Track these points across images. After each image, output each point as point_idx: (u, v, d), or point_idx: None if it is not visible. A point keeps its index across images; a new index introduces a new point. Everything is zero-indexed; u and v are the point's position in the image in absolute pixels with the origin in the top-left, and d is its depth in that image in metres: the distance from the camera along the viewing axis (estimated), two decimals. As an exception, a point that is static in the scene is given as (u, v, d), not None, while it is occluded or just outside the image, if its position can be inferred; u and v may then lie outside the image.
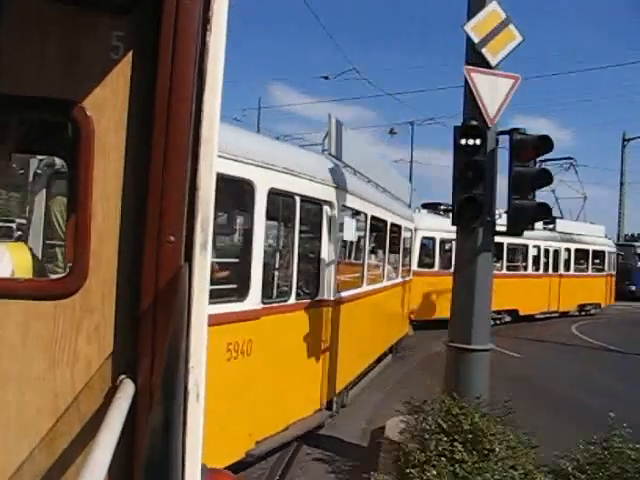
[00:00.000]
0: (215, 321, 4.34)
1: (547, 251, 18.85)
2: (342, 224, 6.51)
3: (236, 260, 4.84)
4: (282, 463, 5.36)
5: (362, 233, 7.66)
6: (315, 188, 5.66)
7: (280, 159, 5.05)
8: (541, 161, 8.99)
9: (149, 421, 0.75)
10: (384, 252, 9.27)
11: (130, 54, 1.38)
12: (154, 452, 0.69)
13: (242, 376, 4.73)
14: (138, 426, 0.81)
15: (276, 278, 5.30)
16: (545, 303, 19.03)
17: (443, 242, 14.93)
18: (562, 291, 19.43)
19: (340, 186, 6.23)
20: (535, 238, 17.05)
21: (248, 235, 4.72)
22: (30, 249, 2.05)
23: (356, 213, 7.18)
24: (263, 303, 4.90)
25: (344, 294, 6.71)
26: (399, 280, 10.73)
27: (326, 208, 5.97)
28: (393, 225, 9.65)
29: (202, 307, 1.24)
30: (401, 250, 10.90)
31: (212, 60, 1.24)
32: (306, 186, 5.48)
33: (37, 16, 1.37)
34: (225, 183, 4.50)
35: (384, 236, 9.18)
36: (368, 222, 7.72)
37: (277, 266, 5.36)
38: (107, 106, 1.40)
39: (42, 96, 1.41)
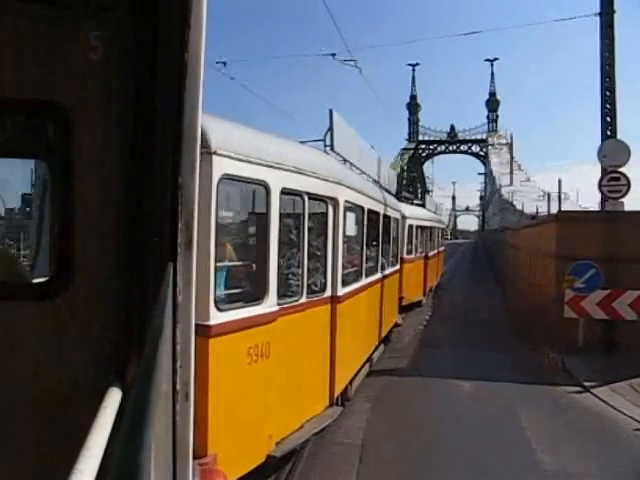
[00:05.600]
0: (238, 326, 4.30)
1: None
2: (344, 219, 6.50)
3: (254, 262, 4.77)
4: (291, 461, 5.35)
5: (360, 226, 7.66)
6: (321, 185, 5.62)
7: (289, 158, 4.99)
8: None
9: (137, 422, 0.72)
10: (378, 243, 9.32)
11: (109, 54, 1.36)
12: (138, 453, 0.66)
13: (261, 379, 4.70)
14: (127, 428, 0.77)
15: (288, 278, 5.26)
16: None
17: (421, 228, 16.08)
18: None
19: (342, 182, 6.20)
20: None
21: (264, 236, 4.66)
22: (11, 251, 2.05)
23: (356, 207, 7.18)
24: (278, 304, 4.86)
25: (348, 289, 6.73)
26: (391, 270, 10.82)
27: (331, 204, 5.96)
28: (384, 216, 9.70)
29: (188, 306, 1.22)
30: (392, 240, 10.97)
31: (191, 57, 1.21)
32: (313, 184, 5.44)
33: (13, 17, 1.35)
34: (241, 186, 4.43)
35: (378, 227, 9.22)
36: (365, 215, 7.73)
37: (289, 265, 5.32)
38: (87, 106, 1.38)
39: (20, 97, 1.39)
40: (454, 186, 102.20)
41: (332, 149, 6.28)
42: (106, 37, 1.35)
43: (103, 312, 1.38)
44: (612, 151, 11.96)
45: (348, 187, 6.39)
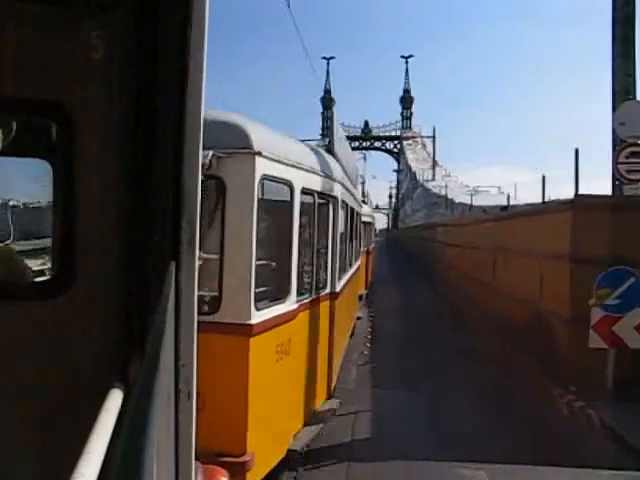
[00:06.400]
0: (270, 325, 4.36)
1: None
2: (339, 217, 6.68)
3: (276, 261, 4.84)
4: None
5: (345, 223, 7.87)
6: (325, 185, 5.76)
7: (306, 158, 5.09)
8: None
9: (139, 422, 0.73)
10: (351, 239, 9.57)
11: (111, 53, 1.36)
12: (136, 454, 0.67)
13: (285, 375, 4.79)
14: (129, 427, 0.78)
15: (302, 275, 5.37)
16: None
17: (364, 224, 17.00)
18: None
19: (340, 182, 6.38)
20: None
21: (287, 235, 4.74)
22: (13, 250, 2.07)
23: (344, 205, 7.37)
24: (297, 302, 4.96)
25: (341, 284, 6.93)
26: (357, 264, 11.13)
27: (331, 203, 6.11)
28: (357, 213, 9.99)
29: (191, 305, 1.23)
30: (359, 236, 11.29)
31: (194, 58, 1.21)
32: (320, 183, 5.57)
33: (14, 17, 1.35)
34: (270, 186, 4.47)
35: (351, 224, 9.47)
36: (348, 213, 7.94)
37: (302, 263, 5.42)
38: (88, 106, 1.39)
39: (20, 96, 1.39)
40: (363, 186, 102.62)
41: (329, 150, 6.42)
42: (108, 36, 1.36)
43: (105, 311, 1.39)
44: (632, 117, 8.68)
45: (343, 186, 6.56)
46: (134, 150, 1.34)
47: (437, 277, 22.55)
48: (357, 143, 78.13)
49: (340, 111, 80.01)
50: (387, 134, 79.45)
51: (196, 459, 1.26)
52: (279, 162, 4.36)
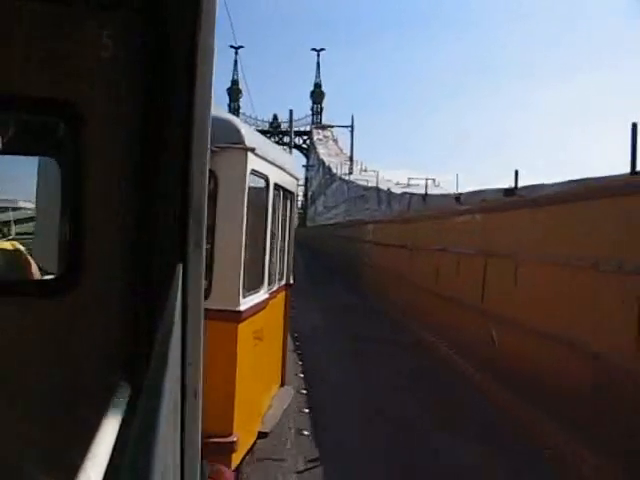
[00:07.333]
0: (252, 312, 4.59)
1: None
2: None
3: (255, 252, 5.06)
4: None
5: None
6: (288, 181, 6.06)
7: (276, 155, 5.36)
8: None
9: (149, 421, 0.72)
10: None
11: (119, 52, 1.36)
12: (144, 453, 0.66)
13: (258, 361, 5.03)
14: (135, 427, 0.75)
15: (272, 266, 5.63)
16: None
17: None
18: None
19: (296, 177, 6.71)
20: None
21: (262, 227, 4.98)
22: (19, 247, 2.10)
23: (297, 201, 7.68)
24: (268, 291, 5.22)
25: (292, 276, 7.24)
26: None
27: (289, 198, 6.40)
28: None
29: (198, 305, 1.23)
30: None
31: (202, 56, 1.21)
32: (285, 179, 5.86)
33: (22, 16, 1.34)
34: (253, 179, 4.69)
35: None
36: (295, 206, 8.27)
37: (271, 255, 5.68)
38: (96, 104, 1.38)
39: (29, 95, 1.39)
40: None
41: (291, 148, 6.69)
42: (116, 35, 1.35)
43: (111, 311, 1.38)
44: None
45: (298, 183, 6.89)
46: (142, 149, 1.34)
47: (367, 284, 18.52)
48: (266, 137, 75.62)
49: (248, 104, 78.10)
50: (297, 129, 74.67)
51: (202, 457, 1.29)
52: (262, 158, 4.60)
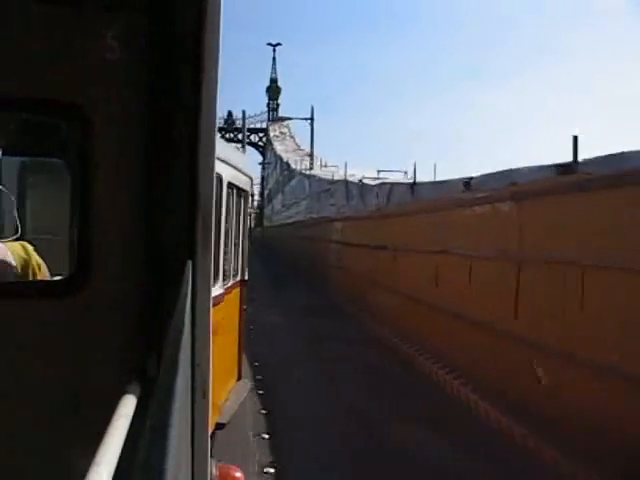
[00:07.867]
0: (214, 302, 4.77)
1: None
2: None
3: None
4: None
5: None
6: (242, 179, 6.27)
7: (230, 155, 5.56)
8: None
9: (155, 421, 0.73)
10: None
11: (126, 53, 1.36)
12: (156, 453, 0.66)
13: (214, 353, 5.20)
14: (148, 426, 0.77)
15: (227, 263, 5.83)
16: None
17: None
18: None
19: (250, 176, 6.91)
20: None
21: (217, 224, 5.18)
22: (33, 249, 2.11)
23: (252, 200, 7.87)
24: (223, 286, 5.42)
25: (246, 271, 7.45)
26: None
27: (243, 197, 6.60)
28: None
29: (206, 305, 1.25)
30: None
31: (208, 56, 1.21)
32: (239, 177, 6.07)
33: (31, 18, 1.35)
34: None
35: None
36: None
37: (226, 251, 5.88)
38: (104, 106, 1.38)
39: (38, 97, 1.40)
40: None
41: (242, 146, 6.87)
42: (123, 36, 1.35)
43: (121, 311, 1.39)
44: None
45: (253, 182, 7.10)
46: (148, 150, 1.35)
47: (334, 298, 15.97)
48: (219, 135, 73.44)
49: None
50: (252, 126, 73.69)
51: (211, 456, 1.31)
52: (217, 158, 4.79)
